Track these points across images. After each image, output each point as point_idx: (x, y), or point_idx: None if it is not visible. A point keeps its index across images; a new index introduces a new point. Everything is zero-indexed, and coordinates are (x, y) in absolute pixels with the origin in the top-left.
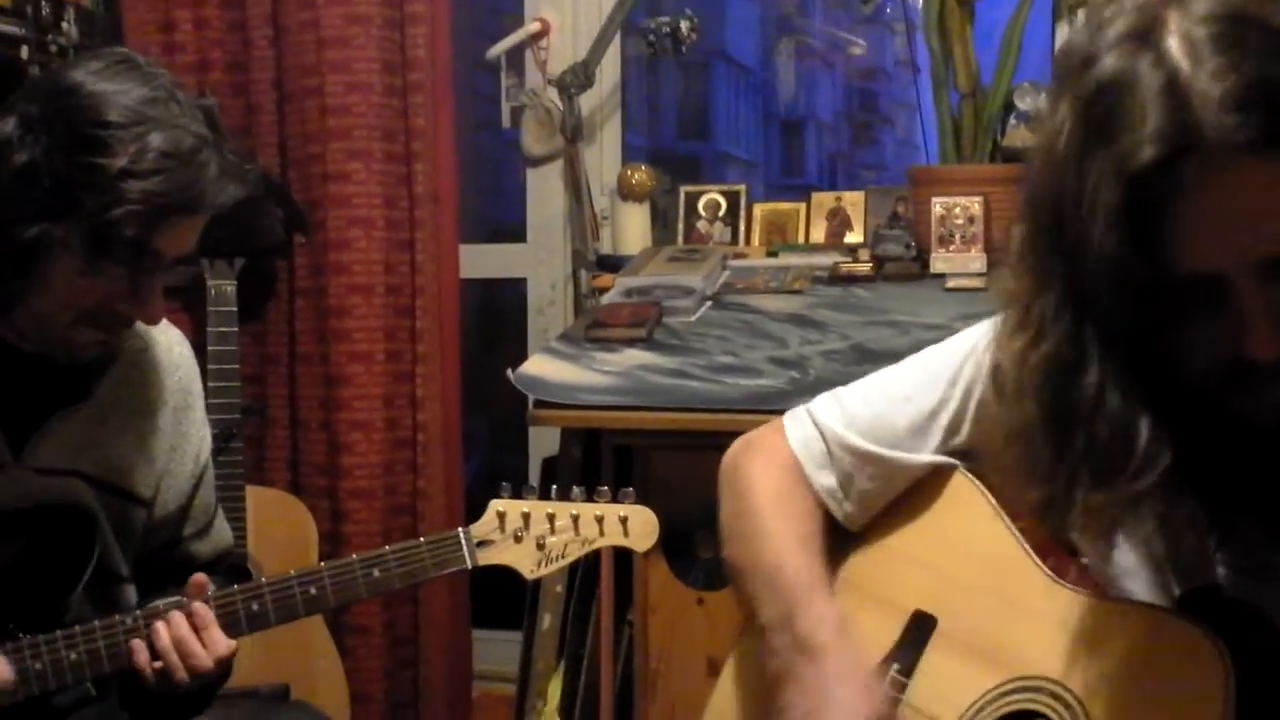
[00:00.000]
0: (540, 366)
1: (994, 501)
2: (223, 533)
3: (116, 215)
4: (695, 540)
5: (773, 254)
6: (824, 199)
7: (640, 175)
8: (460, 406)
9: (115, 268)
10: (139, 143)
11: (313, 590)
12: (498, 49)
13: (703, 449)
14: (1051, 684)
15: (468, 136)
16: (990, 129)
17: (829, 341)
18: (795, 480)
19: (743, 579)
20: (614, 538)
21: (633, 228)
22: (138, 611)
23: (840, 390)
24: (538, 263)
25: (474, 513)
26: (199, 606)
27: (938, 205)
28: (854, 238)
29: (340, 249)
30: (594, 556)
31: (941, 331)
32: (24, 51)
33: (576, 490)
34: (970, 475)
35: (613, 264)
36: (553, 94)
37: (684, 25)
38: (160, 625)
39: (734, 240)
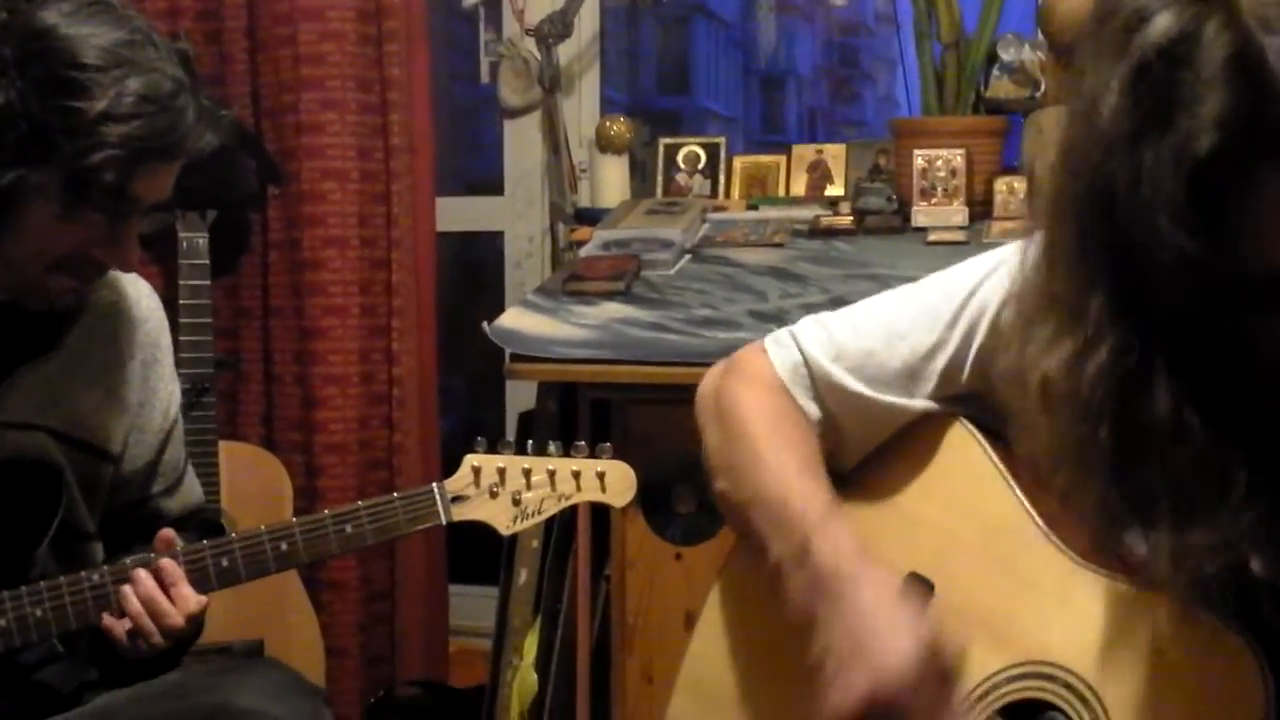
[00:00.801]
0: (517, 319)
1: (997, 459)
2: (193, 489)
3: (95, 160)
4: (673, 495)
5: (752, 207)
6: (804, 152)
7: (619, 127)
8: (436, 360)
9: (93, 214)
10: (117, 86)
11: (284, 546)
12: None
13: (681, 403)
14: (1066, 673)
15: (444, 89)
16: (973, 80)
17: (809, 295)
18: (785, 402)
19: (744, 513)
20: (591, 493)
21: (611, 180)
22: (105, 568)
23: (826, 316)
24: (515, 216)
25: (450, 468)
26: (166, 563)
27: (919, 158)
28: (835, 191)
29: (314, 201)
30: (571, 512)
31: None
32: None
33: (553, 445)
34: (971, 427)
35: (591, 217)
36: (530, 44)
37: None
38: (127, 589)
39: (713, 193)
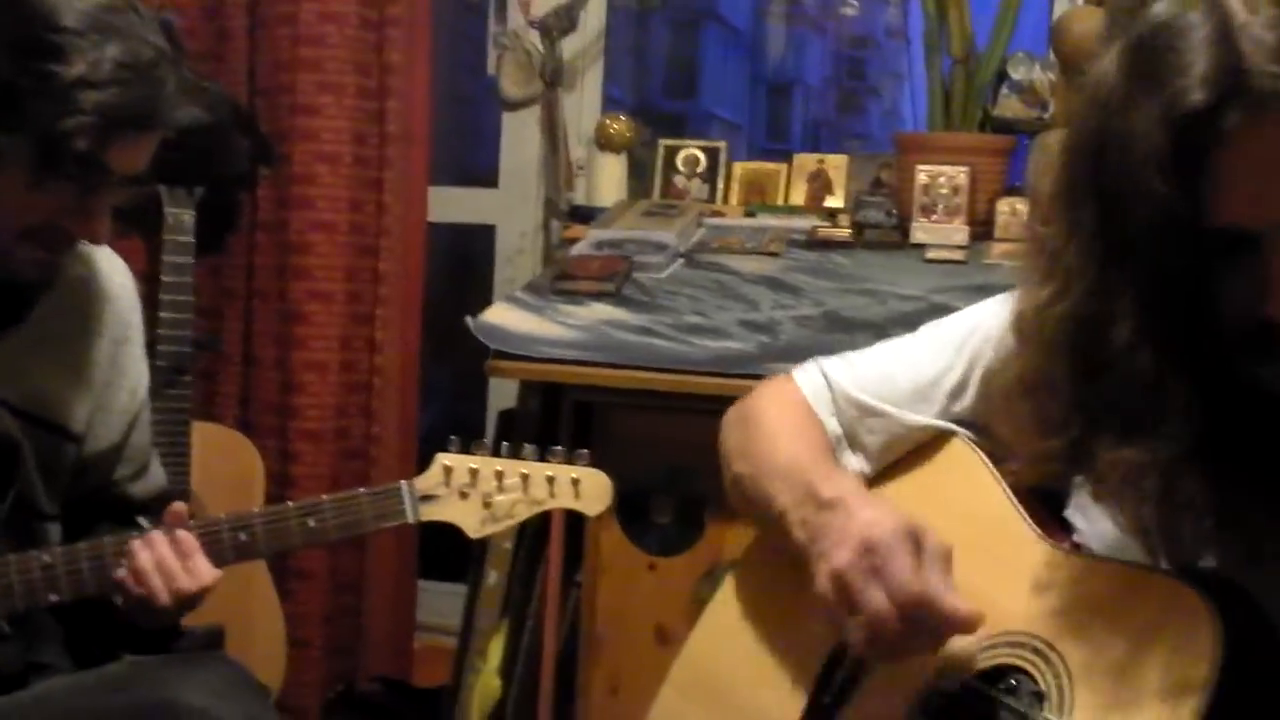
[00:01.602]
0: (502, 315)
1: (993, 469)
2: (159, 475)
3: (68, 127)
4: (651, 504)
5: (750, 214)
6: (806, 161)
7: (619, 125)
8: (420, 352)
9: (63, 183)
10: (96, 51)
11: (243, 536)
12: None
13: (666, 410)
14: (1032, 639)
15: (450, 80)
16: (981, 97)
17: (802, 307)
18: (807, 413)
19: (754, 488)
20: (564, 500)
21: (608, 179)
22: (58, 549)
23: (851, 355)
24: (509, 210)
25: (429, 462)
26: (182, 534)
27: (922, 173)
28: (835, 202)
29: (305, 184)
30: (545, 515)
31: (918, 303)
32: None
33: (529, 448)
34: (971, 443)
35: (586, 215)
36: (534, 37)
37: None
38: (138, 544)
39: (712, 198)
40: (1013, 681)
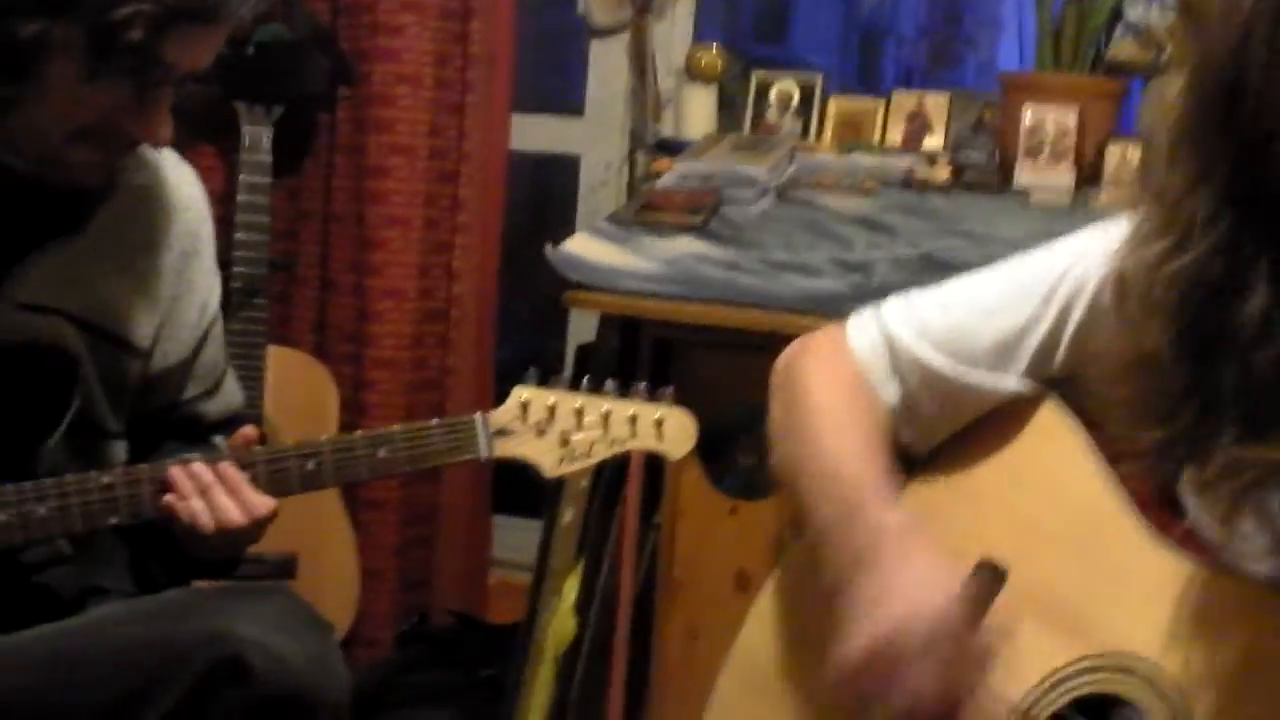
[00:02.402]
0: (583, 246)
1: (1089, 441)
2: (234, 394)
3: (121, 15)
4: (734, 446)
5: (845, 152)
6: (905, 100)
7: (710, 56)
8: (498, 283)
9: (118, 77)
10: None
11: (310, 466)
12: None
13: (750, 349)
14: (1144, 665)
15: (535, 11)
16: (1094, 39)
17: (897, 248)
18: (858, 385)
19: (795, 482)
20: (646, 441)
21: (698, 111)
22: (119, 469)
23: (913, 294)
24: (594, 140)
25: (505, 396)
26: (226, 467)
27: (1028, 114)
28: (933, 144)
29: (385, 105)
30: (624, 454)
31: (1021, 249)
32: None
33: (610, 384)
34: (1063, 407)
35: (673, 148)
36: None
37: None
38: (177, 471)
39: (805, 135)
40: (1122, 717)
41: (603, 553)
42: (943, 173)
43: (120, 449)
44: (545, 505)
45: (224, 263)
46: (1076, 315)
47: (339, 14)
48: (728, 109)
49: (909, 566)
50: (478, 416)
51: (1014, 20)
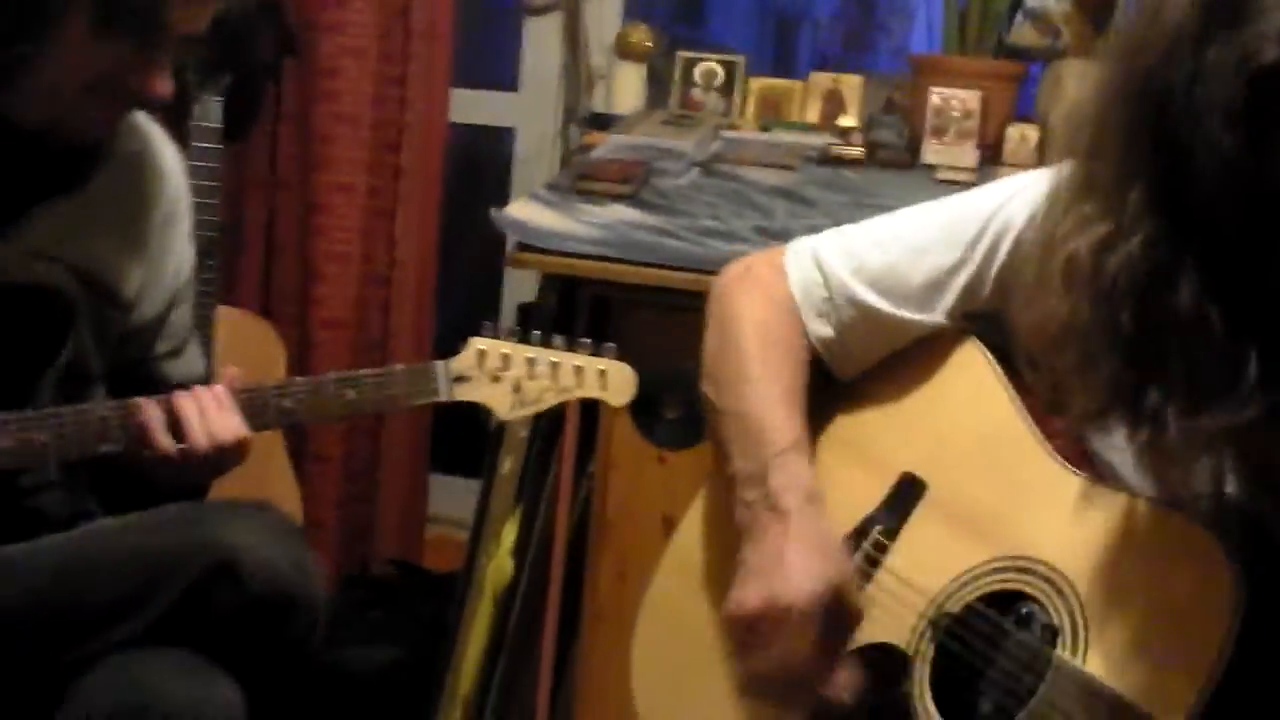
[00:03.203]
0: (524, 210)
1: (1002, 374)
2: (196, 362)
3: None
4: (662, 400)
5: (765, 129)
6: (821, 80)
7: (640, 34)
8: (438, 249)
9: (124, 36)
10: None
11: (286, 403)
12: None
13: (680, 309)
14: (1044, 566)
15: None
16: (997, 25)
17: (815, 218)
18: (788, 323)
19: (720, 422)
20: (591, 390)
21: (627, 88)
22: (111, 403)
23: (849, 229)
24: (528, 114)
25: (443, 358)
26: (220, 389)
27: (935, 96)
28: (848, 122)
29: (330, 76)
30: (560, 406)
31: None
32: None
33: (559, 338)
34: (981, 346)
35: (604, 122)
36: None
37: None
38: (181, 393)
39: (728, 113)
40: (1024, 611)
41: (539, 499)
42: (857, 150)
43: (102, 394)
44: (486, 455)
45: None
46: (1001, 257)
47: None
48: (656, 85)
49: (798, 548)
50: (439, 364)
51: (924, 6)
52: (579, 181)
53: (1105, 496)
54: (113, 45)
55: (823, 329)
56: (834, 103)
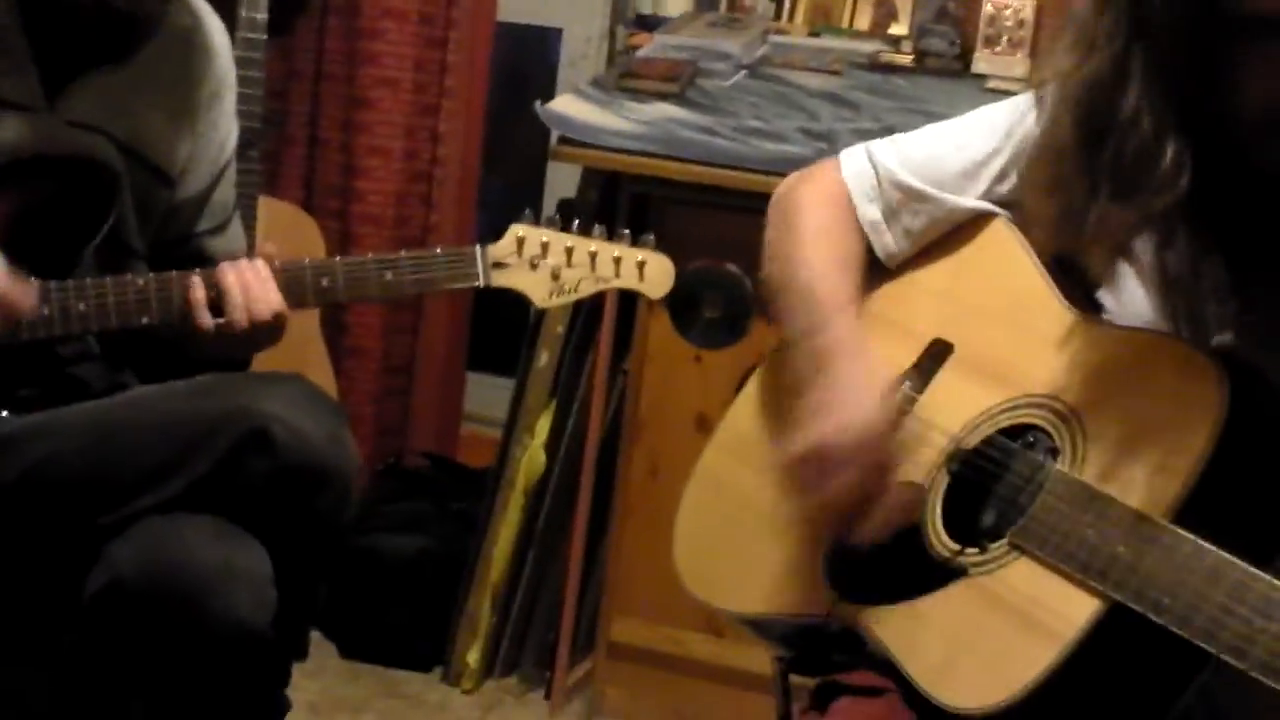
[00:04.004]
0: (568, 105)
1: (1029, 247)
2: (239, 237)
3: None
4: (701, 298)
5: (815, 34)
6: None
7: None
8: (481, 149)
9: None
10: None
11: (325, 281)
12: None
13: (722, 208)
14: (1054, 400)
15: None
16: None
17: (861, 121)
18: (842, 211)
19: (778, 296)
20: (629, 281)
21: None
22: (151, 275)
23: (899, 135)
24: (576, 13)
25: None
26: (258, 262)
27: (989, 4)
28: (899, 30)
29: None
30: (598, 301)
31: None
32: None
33: (598, 228)
34: (1011, 224)
35: (652, 24)
36: None
37: None
38: (225, 265)
39: (777, 16)
40: (1030, 438)
41: (574, 395)
42: (906, 57)
43: (143, 269)
44: (523, 348)
45: None
46: (1029, 145)
47: None
48: None
49: (847, 386)
50: (477, 248)
51: None
52: (624, 78)
53: (1115, 334)
54: None
55: (871, 212)
56: (885, 10)
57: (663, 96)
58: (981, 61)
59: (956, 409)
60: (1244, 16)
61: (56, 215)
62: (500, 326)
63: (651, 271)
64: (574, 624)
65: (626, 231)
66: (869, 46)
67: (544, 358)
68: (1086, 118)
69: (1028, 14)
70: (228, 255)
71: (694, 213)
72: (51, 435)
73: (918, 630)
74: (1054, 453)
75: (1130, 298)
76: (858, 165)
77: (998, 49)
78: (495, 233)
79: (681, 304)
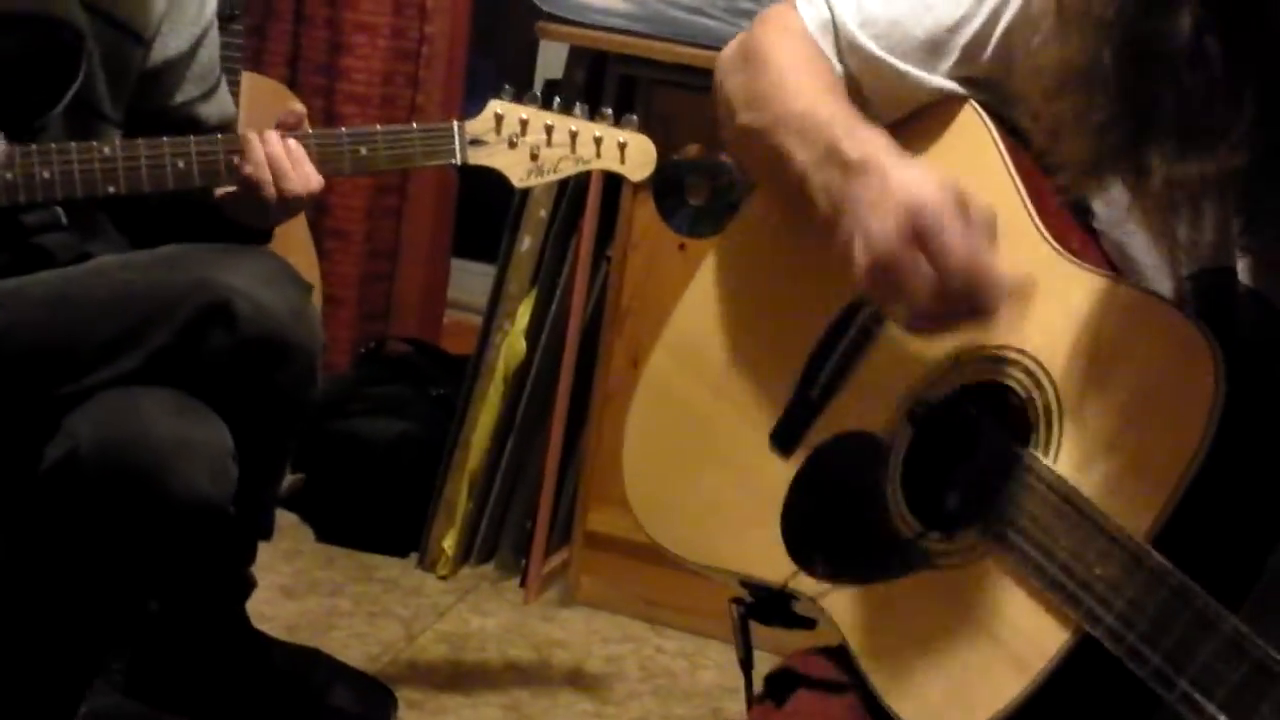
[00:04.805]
0: None
1: (1003, 147)
2: (228, 102)
3: None
4: (686, 184)
5: None
6: None
7: None
8: (469, 26)
9: None
10: None
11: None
12: None
13: (708, 90)
14: (1026, 358)
15: None
16: None
17: None
18: (815, 49)
19: (768, 139)
20: (610, 162)
21: None
22: (117, 142)
23: None
24: None
25: None
26: (293, 142)
27: None
28: None
29: None
30: (583, 182)
31: None
32: None
33: (580, 107)
34: (982, 112)
35: None
36: None
37: None
38: (255, 139)
39: None
40: (999, 404)
41: (556, 280)
42: None
43: (115, 136)
44: (504, 234)
45: None
46: (1007, 17)
47: None
48: None
49: (903, 167)
50: (454, 123)
51: None
52: None
53: (1093, 282)
54: None
55: (837, 67)
56: None
57: None
58: None
59: (914, 355)
60: None
61: (19, 77)
62: (487, 212)
63: (633, 153)
64: (551, 512)
65: (609, 111)
66: None
67: (526, 243)
68: (1130, 41)
69: None
70: (220, 120)
71: (683, 96)
72: (10, 305)
73: (879, 624)
74: (1025, 427)
75: (1114, 192)
76: (819, 14)
77: None
78: None
79: (667, 190)
